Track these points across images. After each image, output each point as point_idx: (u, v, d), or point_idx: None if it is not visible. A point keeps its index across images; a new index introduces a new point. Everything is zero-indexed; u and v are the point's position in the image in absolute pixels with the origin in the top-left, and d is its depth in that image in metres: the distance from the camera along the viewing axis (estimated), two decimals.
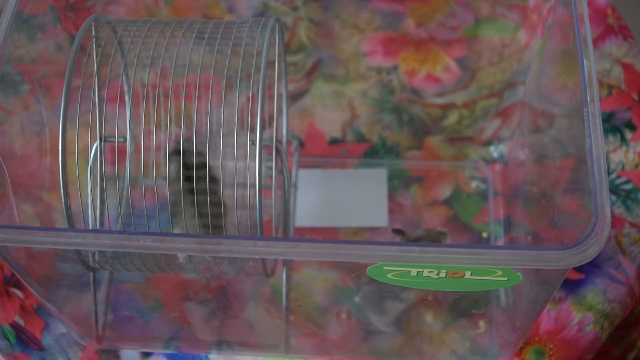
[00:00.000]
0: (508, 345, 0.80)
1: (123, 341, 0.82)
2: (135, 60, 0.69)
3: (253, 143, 0.66)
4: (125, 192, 0.80)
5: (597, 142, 0.61)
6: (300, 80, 0.93)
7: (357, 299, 0.81)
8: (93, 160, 0.74)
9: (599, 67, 0.93)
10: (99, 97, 0.70)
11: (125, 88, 0.76)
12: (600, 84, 0.93)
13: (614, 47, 0.95)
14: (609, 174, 0.89)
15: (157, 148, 0.73)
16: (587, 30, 0.66)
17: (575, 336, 0.81)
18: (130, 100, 0.77)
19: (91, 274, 0.77)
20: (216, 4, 0.93)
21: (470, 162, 0.93)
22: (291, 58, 0.93)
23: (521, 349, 0.81)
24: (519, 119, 0.90)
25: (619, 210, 0.87)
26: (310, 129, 0.94)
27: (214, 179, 0.71)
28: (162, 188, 0.70)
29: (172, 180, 0.70)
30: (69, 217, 0.68)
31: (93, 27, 0.70)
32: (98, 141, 0.73)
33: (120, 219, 0.76)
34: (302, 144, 0.93)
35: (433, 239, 0.84)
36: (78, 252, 0.70)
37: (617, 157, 0.90)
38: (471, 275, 0.61)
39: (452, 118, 0.93)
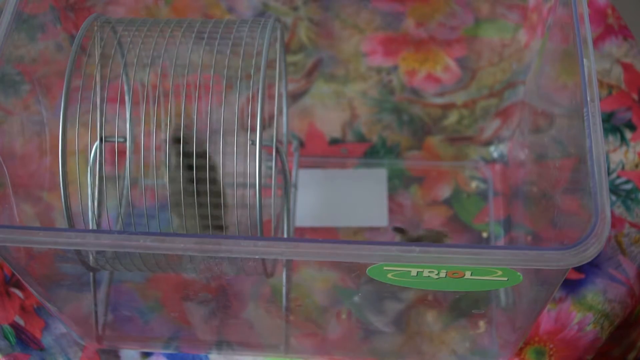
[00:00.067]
0: (508, 345, 0.80)
1: (123, 341, 0.82)
2: (135, 60, 0.69)
3: (253, 143, 0.66)
4: (125, 192, 0.80)
5: (597, 142, 0.61)
6: (300, 80, 0.93)
7: (357, 299, 0.81)
8: (93, 160, 0.74)
9: (599, 67, 0.93)
10: (99, 97, 0.70)
11: (125, 88, 0.76)
12: (600, 84, 0.93)
13: (614, 47, 0.95)
14: (609, 174, 0.89)
15: (157, 148, 0.73)
16: (587, 30, 0.66)
17: (575, 336, 0.81)
18: (130, 100, 0.77)
19: (91, 274, 0.77)
20: (216, 4, 0.93)
21: (470, 162, 0.93)
22: (291, 58, 0.93)
23: (521, 349, 0.81)
24: (519, 119, 0.90)
25: (619, 210, 0.87)
26: (310, 129, 0.94)
27: (213, 169, 0.71)
28: (162, 188, 0.70)
29: (172, 169, 0.70)
30: (69, 217, 0.68)
31: (97, 26, 0.70)
32: (98, 141, 0.73)
33: (120, 219, 0.76)
34: (302, 144, 0.93)
35: (434, 239, 0.84)
36: (78, 252, 0.70)
37: (617, 157, 0.90)
38: (471, 275, 0.61)
39: (452, 118, 0.93)
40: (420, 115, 0.93)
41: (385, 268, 0.60)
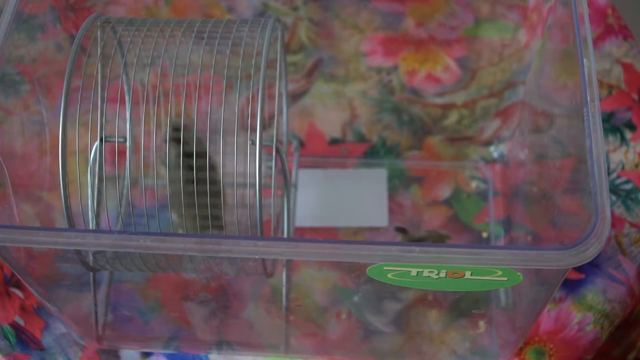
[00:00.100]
0: (508, 345, 0.80)
1: (123, 341, 0.82)
2: (135, 60, 0.69)
3: (253, 143, 0.66)
4: (125, 192, 0.80)
5: (597, 142, 0.61)
6: (300, 80, 0.93)
7: (357, 299, 0.81)
8: (93, 160, 0.74)
9: (599, 67, 0.93)
10: (100, 97, 0.70)
11: (125, 88, 0.76)
12: (600, 84, 0.93)
13: (614, 47, 0.95)
14: (609, 174, 0.89)
15: (157, 148, 0.73)
16: (587, 30, 0.66)
17: (575, 336, 0.81)
18: (130, 100, 0.77)
19: (91, 274, 0.77)
20: (216, 4, 0.93)
21: (470, 162, 0.93)
22: (291, 58, 0.93)
23: (521, 349, 0.81)
24: (519, 119, 0.90)
25: (619, 210, 0.87)
26: (310, 129, 0.94)
27: (213, 169, 0.71)
28: (162, 188, 0.70)
29: (172, 170, 0.70)
30: (69, 217, 0.68)
31: (97, 26, 0.70)
32: (98, 141, 0.73)
33: (120, 219, 0.76)
34: (302, 144, 0.93)
35: (435, 240, 0.84)
36: (78, 252, 0.70)
37: (617, 157, 0.90)
38: (471, 275, 0.61)
39: (452, 118, 0.93)
40: (420, 115, 0.93)
41: (385, 268, 0.60)
